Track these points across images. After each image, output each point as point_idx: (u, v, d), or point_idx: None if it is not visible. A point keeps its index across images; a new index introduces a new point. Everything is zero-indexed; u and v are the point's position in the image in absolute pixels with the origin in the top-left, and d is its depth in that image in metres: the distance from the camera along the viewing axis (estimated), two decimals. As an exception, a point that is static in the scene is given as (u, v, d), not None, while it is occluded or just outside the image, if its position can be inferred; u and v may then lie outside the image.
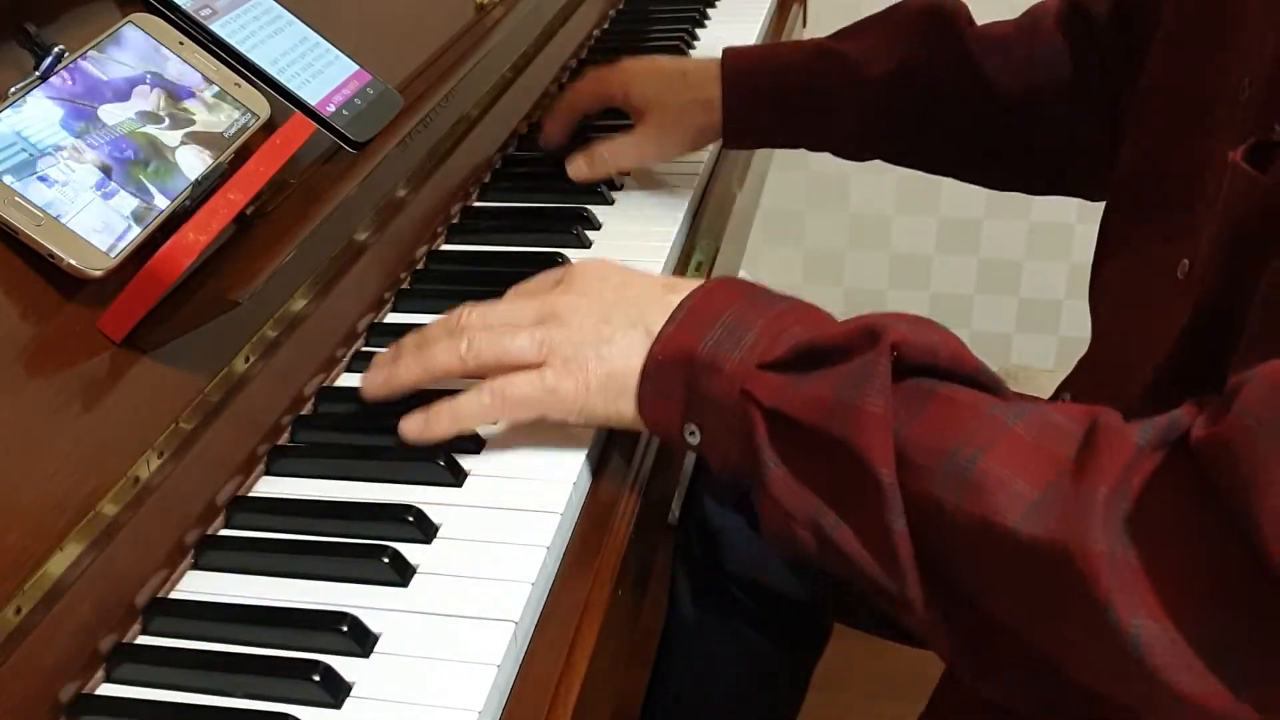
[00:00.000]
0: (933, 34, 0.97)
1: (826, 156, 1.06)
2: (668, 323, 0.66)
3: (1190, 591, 0.50)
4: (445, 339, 0.70)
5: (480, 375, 0.69)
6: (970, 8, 0.99)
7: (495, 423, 0.71)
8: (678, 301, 0.67)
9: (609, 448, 0.73)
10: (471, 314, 0.71)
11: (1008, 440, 0.56)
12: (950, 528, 0.56)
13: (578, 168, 0.99)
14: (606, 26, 1.35)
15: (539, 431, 0.72)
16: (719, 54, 1.03)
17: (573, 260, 0.74)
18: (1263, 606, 0.48)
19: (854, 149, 1.03)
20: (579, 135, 1.05)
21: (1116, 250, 0.81)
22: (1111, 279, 0.81)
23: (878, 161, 1.06)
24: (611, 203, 0.99)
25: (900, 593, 0.59)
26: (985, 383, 0.62)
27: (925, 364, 0.61)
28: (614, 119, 1.04)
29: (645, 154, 0.99)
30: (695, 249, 0.95)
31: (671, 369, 0.65)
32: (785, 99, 0.99)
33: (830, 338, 0.62)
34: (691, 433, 0.65)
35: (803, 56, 1.00)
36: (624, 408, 0.67)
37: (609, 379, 0.67)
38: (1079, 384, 0.84)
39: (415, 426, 0.69)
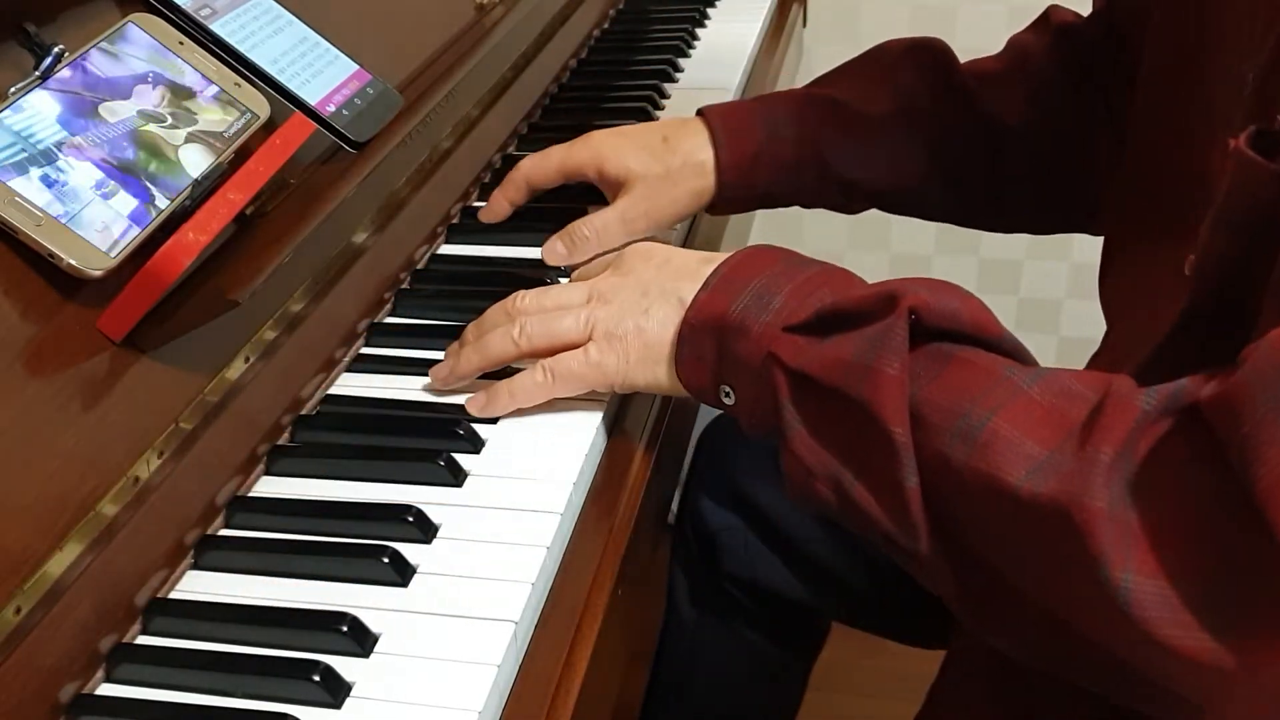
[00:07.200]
0: (927, 71, 0.94)
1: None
2: (700, 289, 0.69)
3: (1185, 550, 0.51)
4: (501, 325, 0.74)
5: (538, 356, 0.73)
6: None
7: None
8: (712, 270, 0.70)
9: (609, 448, 0.74)
10: (526, 299, 0.75)
11: (1021, 402, 0.58)
12: (958, 484, 0.58)
13: (555, 252, 0.89)
14: (606, 26, 1.35)
15: (539, 432, 0.72)
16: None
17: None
18: (1256, 562, 0.49)
19: (852, 198, 0.97)
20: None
21: (1125, 253, 0.80)
22: (1121, 282, 0.81)
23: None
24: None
25: (912, 547, 0.61)
26: (1008, 349, 0.63)
27: (945, 328, 0.63)
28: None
29: (635, 229, 0.89)
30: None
31: (704, 333, 0.68)
32: (780, 153, 0.92)
33: (852, 301, 0.64)
34: (726, 394, 0.69)
35: (790, 106, 0.94)
36: (660, 374, 0.71)
37: (647, 349, 0.71)
38: None
39: (478, 404, 0.74)
